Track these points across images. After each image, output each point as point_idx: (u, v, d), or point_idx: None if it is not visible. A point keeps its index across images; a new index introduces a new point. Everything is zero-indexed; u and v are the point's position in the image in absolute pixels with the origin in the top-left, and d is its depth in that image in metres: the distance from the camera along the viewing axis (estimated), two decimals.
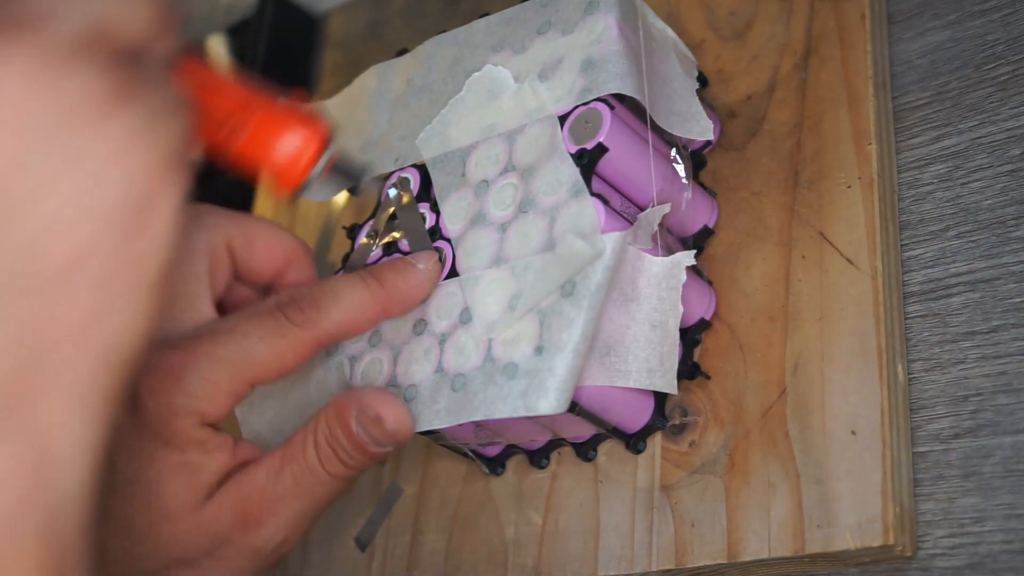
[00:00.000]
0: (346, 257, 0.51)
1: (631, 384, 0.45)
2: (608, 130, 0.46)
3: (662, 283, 0.45)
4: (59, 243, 0.25)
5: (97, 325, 0.26)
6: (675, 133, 0.48)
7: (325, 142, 0.42)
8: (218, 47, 0.77)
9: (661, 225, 0.47)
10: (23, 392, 0.25)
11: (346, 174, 0.45)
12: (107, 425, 0.26)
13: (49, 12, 0.25)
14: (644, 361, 0.45)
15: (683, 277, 0.45)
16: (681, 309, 0.45)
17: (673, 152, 0.49)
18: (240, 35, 0.78)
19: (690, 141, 0.50)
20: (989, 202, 0.47)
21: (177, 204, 0.27)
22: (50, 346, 0.25)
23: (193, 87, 0.33)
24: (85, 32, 0.25)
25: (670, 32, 0.50)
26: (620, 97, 0.47)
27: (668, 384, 0.45)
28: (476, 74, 0.50)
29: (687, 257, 0.45)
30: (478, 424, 0.47)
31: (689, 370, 0.49)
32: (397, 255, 0.48)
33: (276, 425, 0.49)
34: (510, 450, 0.53)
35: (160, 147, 0.26)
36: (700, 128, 0.48)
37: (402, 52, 0.55)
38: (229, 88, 0.40)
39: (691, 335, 0.49)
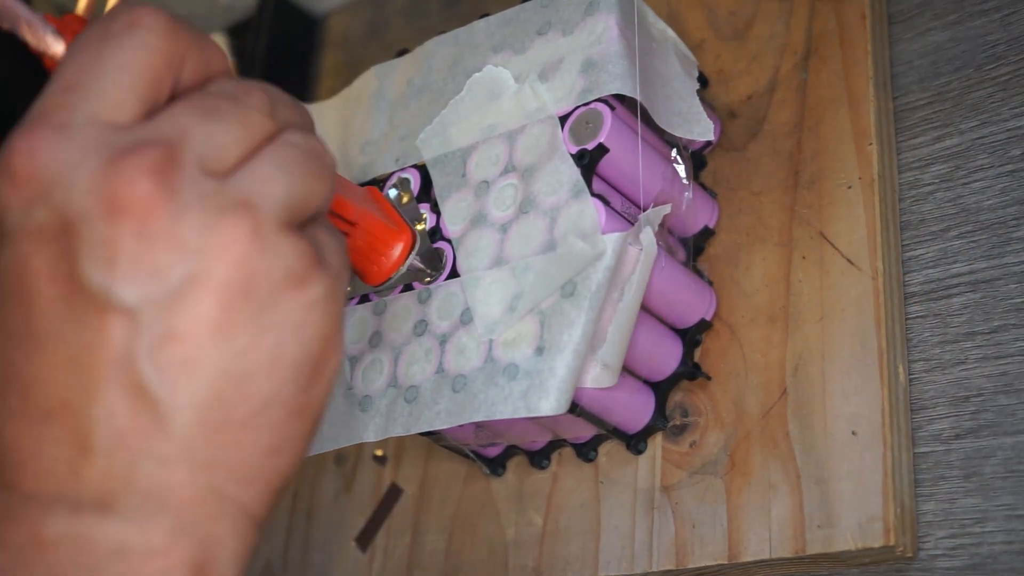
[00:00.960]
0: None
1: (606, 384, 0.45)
2: (608, 131, 0.46)
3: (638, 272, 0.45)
4: (254, 389, 0.28)
5: (270, 461, 0.29)
6: (675, 133, 0.48)
7: (410, 251, 0.46)
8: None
9: (662, 225, 0.47)
10: (205, 512, 0.28)
11: (417, 274, 0.49)
12: (255, 542, 0.30)
13: (259, 193, 0.28)
14: (619, 357, 0.45)
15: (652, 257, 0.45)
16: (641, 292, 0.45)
17: (673, 152, 0.49)
18: (240, 35, 0.78)
19: (690, 141, 0.50)
20: (990, 202, 0.47)
21: (340, 359, 0.31)
22: (233, 476, 0.29)
23: None
24: (286, 210, 0.29)
25: (670, 32, 0.50)
26: (620, 97, 0.47)
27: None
28: (476, 74, 0.50)
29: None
30: (479, 425, 0.47)
31: (689, 370, 0.49)
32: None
33: None
34: (511, 451, 0.53)
35: (340, 308, 0.30)
36: (700, 128, 0.48)
37: (402, 52, 0.55)
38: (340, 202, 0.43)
39: (691, 335, 0.49)
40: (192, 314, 0.27)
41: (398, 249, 0.46)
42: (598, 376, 0.44)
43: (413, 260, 0.46)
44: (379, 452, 0.59)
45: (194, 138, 0.28)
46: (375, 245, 0.45)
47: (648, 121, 0.49)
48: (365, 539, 0.57)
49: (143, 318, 0.27)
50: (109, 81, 0.28)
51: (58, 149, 0.27)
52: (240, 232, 0.27)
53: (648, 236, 0.45)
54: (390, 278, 0.46)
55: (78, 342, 0.27)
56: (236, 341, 0.28)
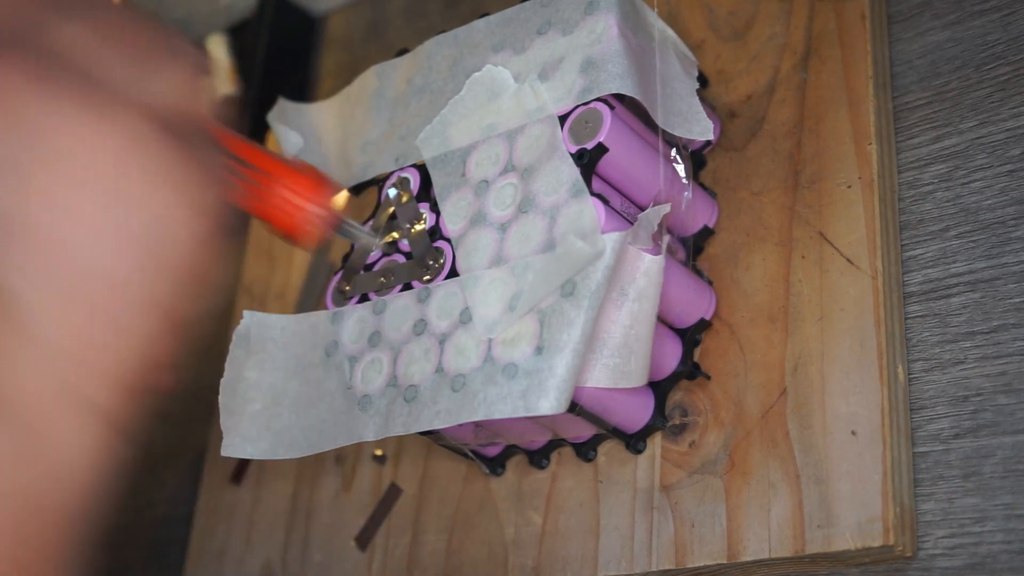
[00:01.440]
0: (346, 257, 0.51)
1: (633, 385, 0.45)
2: (608, 130, 0.46)
3: (653, 280, 0.45)
4: (107, 269, 0.27)
5: (133, 359, 0.28)
6: (675, 133, 0.48)
7: (339, 208, 0.45)
8: (218, 47, 0.77)
9: (661, 225, 0.47)
10: (55, 411, 0.27)
11: (347, 235, 0.48)
12: (111, 447, 0.28)
13: (129, 98, 0.28)
14: (643, 359, 0.45)
15: (658, 269, 0.45)
16: (657, 300, 0.45)
17: (673, 152, 0.49)
18: (240, 35, 0.78)
19: (690, 141, 0.50)
20: (989, 202, 0.47)
21: (197, 242, 0.29)
22: (90, 373, 0.27)
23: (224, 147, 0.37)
24: (154, 113, 0.28)
25: (670, 32, 0.50)
26: (620, 97, 0.47)
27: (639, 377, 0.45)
28: (476, 74, 0.50)
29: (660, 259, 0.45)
30: (478, 424, 0.47)
31: (689, 370, 0.49)
32: None
33: (274, 427, 0.49)
34: (510, 450, 0.53)
35: (181, 192, 0.28)
36: (700, 128, 0.48)
37: (402, 52, 0.55)
38: (254, 152, 0.43)
39: (691, 335, 0.49)
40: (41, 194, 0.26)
41: (322, 202, 0.43)
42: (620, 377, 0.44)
43: (346, 221, 0.45)
44: (378, 452, 0.59)
45: None
46: (293, 198, 0.43)
47: (648, 121, 0.49)
48: (365, 538, 0.57)
49: None
50: None
51: None
52: (117, 128, 0.27)
53: (652, 259, 0.45)
54: (320, 239, 0.44)
55: None
56: (91, 223, 0.27)
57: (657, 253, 0.46)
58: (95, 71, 0.28)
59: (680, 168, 0.49)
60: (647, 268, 0.45)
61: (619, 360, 0.45)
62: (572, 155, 0.46)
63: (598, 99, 0.46)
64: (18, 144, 0.26)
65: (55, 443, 0.27)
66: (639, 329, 0.45)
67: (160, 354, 0.28)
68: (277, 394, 0.49)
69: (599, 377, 0.45)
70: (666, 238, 0.47)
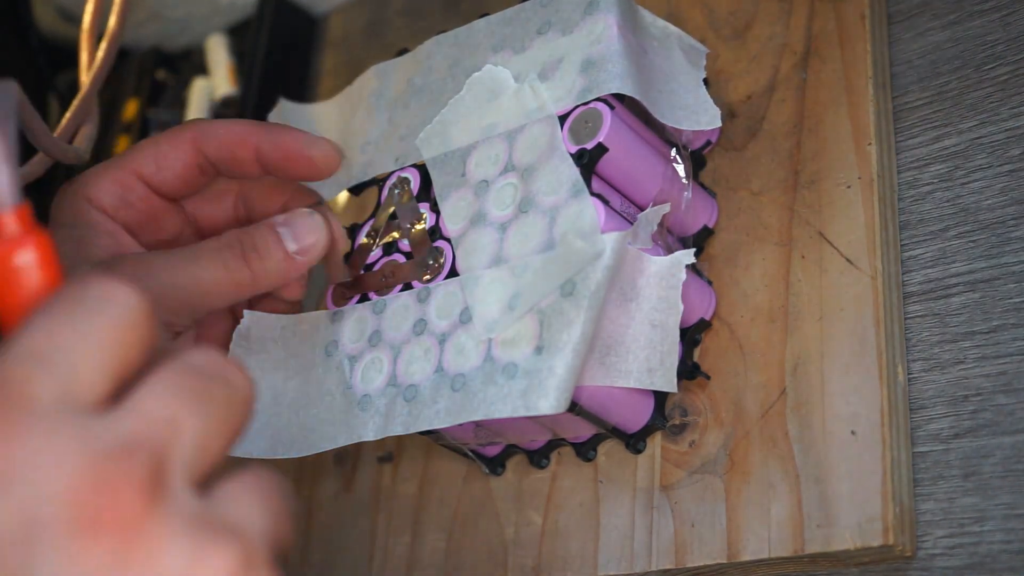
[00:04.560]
0: (346, 257, 0.51)
1: (632, 384, 0.45)
2: (608, 130, 0.46)
3: (662, 282, 0.45)
4: None
5: None
6: (683, 127, 0.48)
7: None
8: (218, 47, 0.77)
9: (661, 225, 0.47)
10: None
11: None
12: None
13: (246, 517, 0.26)
14: (644, 361, 0.45)
15: (683, 276, 0.45)
16: (681, 308, 0.45)
17: (673, 152, 0.49)
18: (240, 35, 0.78)
19: (690, 141, 0.50)
20: (989, 202, 0.47)
21: None
22: None
23: None
24: (268, 534, 0.26)
25: (672, 28, 0.50)
26: (620, 97, 0.47)
27: (668, 383, 0.45)
28: (476, 74, 0.50)
29: (687, 256, 0.45)
30: (478, 424, 0.47)
31: (689, 370, 0.49)
32: (267, 222, 0.47)
33: (272, 427, 0.49)
34: (510, 450, 0.53)
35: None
36: (708, 117, 0.48)
37: (402, 52, 0.55)
38: None
39: (691, 335, 0.49)
40: None
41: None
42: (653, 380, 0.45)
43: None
44: (383, 453, 0.59)
45: (184, 434, 0.25)
46: None
47: (648, 120, 0.49)
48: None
49: None
50: (80, 355, 0.25)
51: (24, 433, 0.24)
52: (230, 562, 0.25)
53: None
54: None
55: None
56: None
57: (657, 254, 0.47)
58: None
59: (680, 168, 0.49)
60: (647, 270, 0.45)
61: (615, 359, 0.45)
62: (572, 155, 0.46)
63: (598, 99, 0.46)
64: None
65: None
66: (636, 329, 0.45)
67: None
68: (277, 394, 0.49)
69: (596, 375, 0.45)
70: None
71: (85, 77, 0.54)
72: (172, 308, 0.44)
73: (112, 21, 0.55)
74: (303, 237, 0.46)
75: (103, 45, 0.54)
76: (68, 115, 0.52)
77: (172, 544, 0.24)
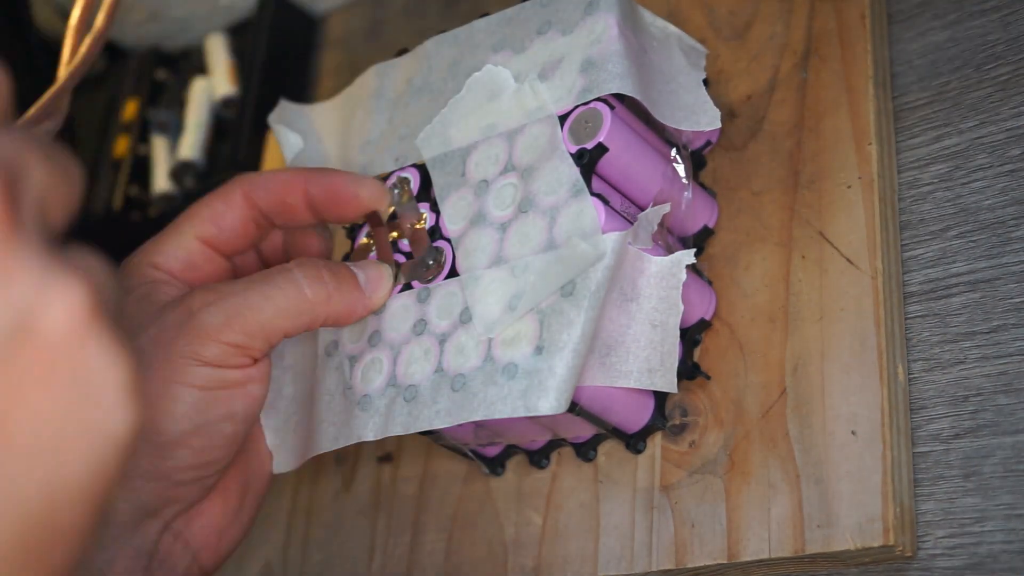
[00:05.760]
0: (346, 257, 0.51)
1: (632, 384, 0.45)
2: (608, 130, 0.46)
3: (662, 282, 0.45)
4: None
5: None
6: (682, 128, 0.48)
7: None
8: (218, 47, 0.77)
9: (661, 225, 0.47)
10: None
11: None
12: None
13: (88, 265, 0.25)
14: (645, 361, 0.45)
15: (683, 276, 0.45)
16: (682, 308, 0.45)
17: (673, 152, 0.49)
18: (240, 35, 0.78)
19: (690, 141, 0.50)
20: (989, 202, 0.47)
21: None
22: None
23: None
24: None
25: (672, 28, 0.50)
26: (620, 97, 0.47)
27: (668, 383, 0.45)
28: (476, 74, 0.50)
29: (687, 256, 0.45)
30: (478, 424, 0.47)
31: (689, 370, 0.49)
32: (347, 264, 0.48)
33: (272, 426, 0.49)
34: (510, 450, 0.53)
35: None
36: (709, 118, 0.48)
37: (402, 52, 0.55)
38: None
39: (691, 335, 0.49)
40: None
41: None
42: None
43: None
44: (383, 453, 0.59)
45: (33, 175, 0.24)
46: None
47: (648, 120, 0.49)
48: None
49: None
50: None
51: None
52: (79, 300, 0.24)
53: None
54: None
55: None
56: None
57: (657, 254, 0.46)
58: None
59: (680, 168, 0.49)
60: (647, 270, 0.45)
61: (615, 359, 0.45)
62: (572, 155, 0.46)
63: (598, 99, 0.46)
64: None
65: None
66: (636, 329, 0.45)
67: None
68: (276, 393, 0.49)
69: (596, 375, 0.45)
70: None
71: (63, 71, 0.53)
72: (245, 330, 0.44)
73: (99, 18, 0.54)
74: (375, 285, 0.48)
75: (86, 41, 0.53)
76: (34, 108, 0.51)
77: (23, 272, 0.23)
